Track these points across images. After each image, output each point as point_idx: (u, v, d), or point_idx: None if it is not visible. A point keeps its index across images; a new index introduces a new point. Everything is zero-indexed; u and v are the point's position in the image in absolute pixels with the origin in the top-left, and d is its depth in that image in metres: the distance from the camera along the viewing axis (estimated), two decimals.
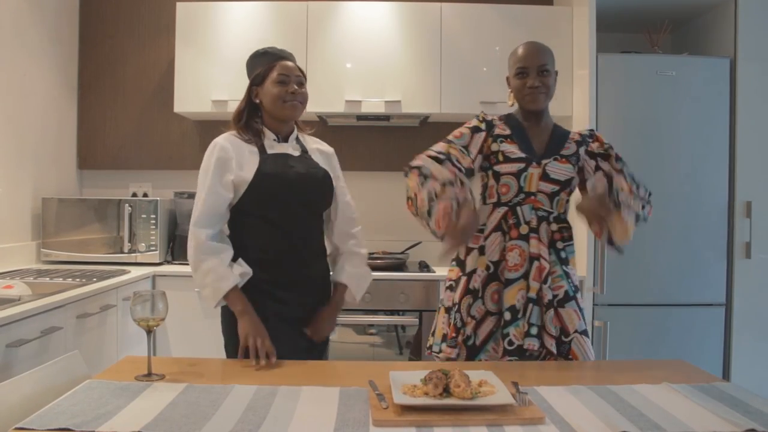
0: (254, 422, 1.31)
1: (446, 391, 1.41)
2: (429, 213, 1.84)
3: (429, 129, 3.76)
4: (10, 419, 1.33)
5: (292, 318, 2.00)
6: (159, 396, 1.47)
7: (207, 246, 1.91)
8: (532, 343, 1.96)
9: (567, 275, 2.04)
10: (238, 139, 2.01)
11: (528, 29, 3.50)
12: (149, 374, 1.62)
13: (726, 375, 3.27)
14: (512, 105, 2.18)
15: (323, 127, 3.87)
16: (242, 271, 1.93)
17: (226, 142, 1.99)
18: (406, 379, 1.50)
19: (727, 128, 3.30)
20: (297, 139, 2.13)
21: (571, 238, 2.10)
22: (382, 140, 3.91)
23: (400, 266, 3.41)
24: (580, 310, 2.04)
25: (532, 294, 1.98)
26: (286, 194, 1.99)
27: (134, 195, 3.81)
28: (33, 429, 1.25)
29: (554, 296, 2.00)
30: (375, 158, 3.90)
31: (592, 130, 2.21)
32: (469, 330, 2.04)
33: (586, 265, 3.23)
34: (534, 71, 2.08)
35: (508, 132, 2.10)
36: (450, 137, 2.07)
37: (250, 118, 2.06)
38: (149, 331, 1.65)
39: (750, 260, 3.27)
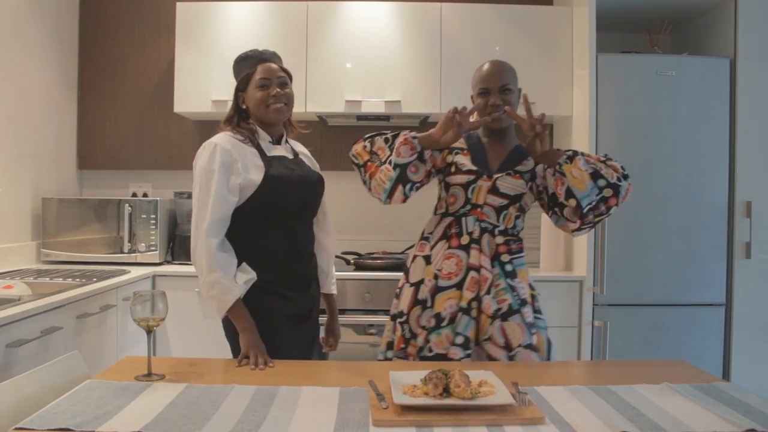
0: (254, 422, 1.31)
1: (446, 391, 1.41)
2: (390, 149, 1.99)
3: (429, 129, 3.74)
4: (10, 419, 1.33)
5: (296, 315, 2.02)
6: (159, 396, 1.47)
7: (217, 258, 1.87)
8: (454, 352, 1.96)
9: (512, 288, 2.02)
10: (237, 141, 1.98)
11: (528, 29, 3.50)
12: (149, 374, 1.62)
13: (726, 375, 3.27)
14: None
15: (323, 127, 3.87)
16: (247, 278, 1.92)
17: (226, 143, 1.95)
18: (406, 379, 1.50)
19: (727, 128, 3.30)
20: (287, 141, 2.14)
21: (520, 251, 2.09)
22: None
23: (400, 266, 3.40)
24: (527, 324, 2.01)
25: (464, 304, 1.98)
26: (291, 197, 2.00)
27: (134, 195, 3.81)
28: (33, 429, 1.25)
29: (498, 309, 1.99)
30: None
31: None
32: (420, 341, 2.05)
33: (586, 265, 3.23)
34: (496, 91, 2.07)
35: (463, 145, 2.13)
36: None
37: (239, 124, 2.05)
38: (149, 331, 1.65)
39: (750, 260, 3.27)
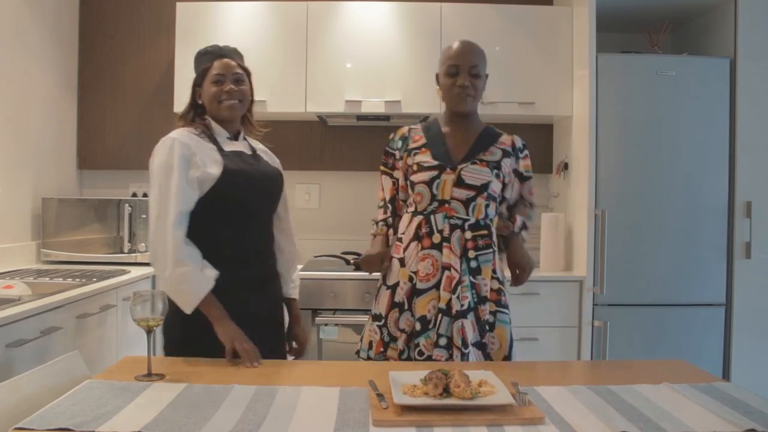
0: (254, 422, 1.31)
1: (446, 391, 1.41)
2: None
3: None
4: (10, 419, 1.33)
5: (249, 317, 1.90)
6: (159, 396, 1.47)
7: (184, 250, 1.85)
8: (440, 354, 1.96)
9: (473, 285, 2.02)
10: (195, 135, 1.96)
11: (528, 29, 3.50)
12: (149, 374, 1.62)
13: (726, 375, 3.27)
14: (442, 100, 2.16)
15: (323, 127, 3.87)
16: (214, 274, 1.88)
17: (184, 138, 1.94)
18: (406, 379, 1.50)
19: (727, 128, 3.30)
20: (244, 138, 2.13)
21: (488, 246, 2.06)
22: (382, 140, 3.88)
23: None
24: (478, 321, 2.01)
25: (442, 304, 1.97)
26: (250, 192, 1.98)
27: (134, 195, 3.81)
28: (33, 429, 1.25)
29: (461, 306, 1.98)
30: (375, 158, 3.86)
31: (525, 144, 2.19)
32: (401, 344, 2.04)
33: (586, 265, 3.23)
34: (465, 70, 2.05)
35: (422, 142, 2.12)
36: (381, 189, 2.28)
37: (195, 119, 2.04)
38: (149, 331, 1.65)
39: (750, 260, 3.27)
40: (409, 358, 2.03)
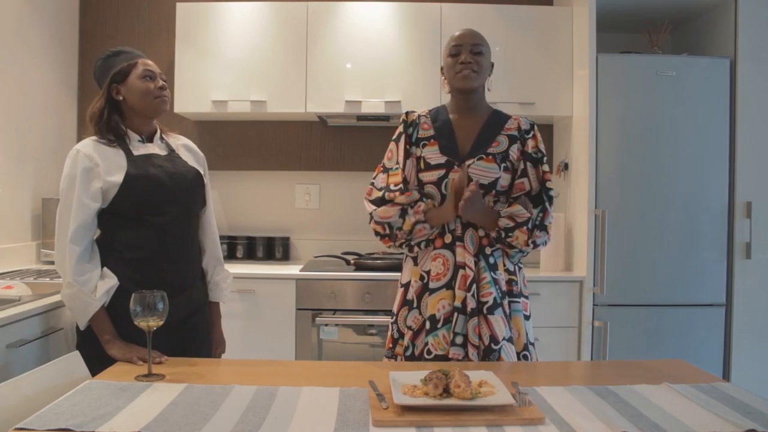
0: (254, 423, 1.31)
1: (446, 392, 1.41)
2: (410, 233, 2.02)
3: None
4: (10, 419, 1.33)
5: (170, 321, 1.75)
6: (159, 396, 1.47)
7: (77, 269, 1.88)
8: (457, 353, 1.94)
9: (495, 282, 2.00)
10: (101, 144, 1.97)
11: (528, 29, 3.50)
12: (149, 374, 1.62)
13: (726, 375, 3.27)
14: (448, 92, 2.16)
15: (323, 127, 3.87)
16: (108, 287, 1.90)
17: (88, 149, 1.94)
18: (407, 380, 1.50)
19: (727, 128, 3.30)
20: (161, 138, 2.12)
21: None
22: (382, 140, 3.87)
23: (399, 266, 3.39)
24: (507, 316, 2.00)
25: (458, 303, 1.96)
26: (157, 195, 1.97)
27: None
28: (33, 429, 1.25)
29: (483, 303, 1.97)
30: (375, 158, 3.83)
31: (533, 123, 2.12)
32: (406, 341, 2.04)
33: (586, 265, 3.23)
34: (467, 49, 2.05)
35: (431, 133, 2.09)
36: (384, 160, 2.14)
37: (110, 117, 2.03)
38: (149, 332, 1.65)
39: (750, 260, 3.27)
40: (413, 355, 2.02)
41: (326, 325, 3.12)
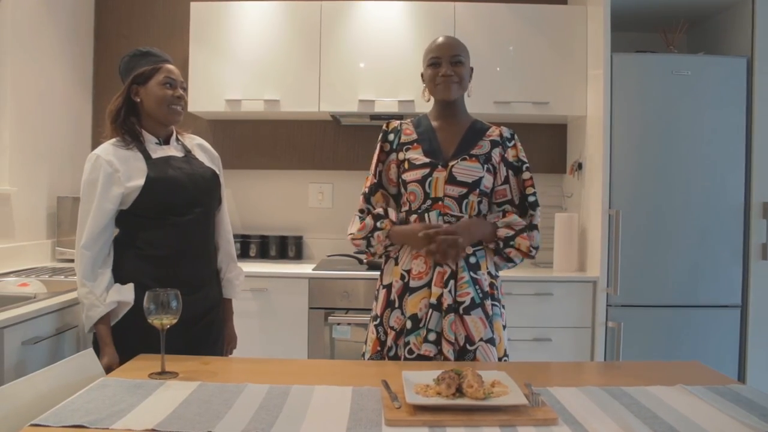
0: (267, 421, 1.31)
1: (459, 392, 1.41)
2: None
3: None
4: (26, 416, 1.34)
5: (186, 318, 1.78)
6: (172, 394, 1.47)
7: (89, 273, 1.93)
8: (428, 349, 1.94)
9: (474, 281, 2.00)
10: (120, 149, 1.99)
11: (542, 28, 3.49)
12: (163, 372, 1.63)
13: (742, 377, 3.24)
14: (428, 100, 2.18)
15: (336, 126, 3.88)
16: (119, 298, 1.93)
17: (108, 155, 1.97)
18: (419, 379, 1.50)
19: (744, 128, 3.26)
20: (177, 139, 2.14)
21: (482, 242, 2.06)
22: None
23: None
24: (488, 317, 1.99)
25: (433, 300, 1.96)
26: (177, 197, 2.00)
27: None
28: (48, 426, 1.26)
29: (459, 303, 1.97)
30: None
31: (513, 133, 2.15)
32: (389, 341, 2.03)
33: (600, 265, 3.21)
34: (446, 60, 2.06)
35: (414, 137, 2.12)
36: (371, 168, 2.18)
37: (127, 117, 2.05)
38: (163, 330, 1.66)
39: (766, 262, 3.24)
40: (396, 356, 2.01)
41: (339, 324, 3.13)
